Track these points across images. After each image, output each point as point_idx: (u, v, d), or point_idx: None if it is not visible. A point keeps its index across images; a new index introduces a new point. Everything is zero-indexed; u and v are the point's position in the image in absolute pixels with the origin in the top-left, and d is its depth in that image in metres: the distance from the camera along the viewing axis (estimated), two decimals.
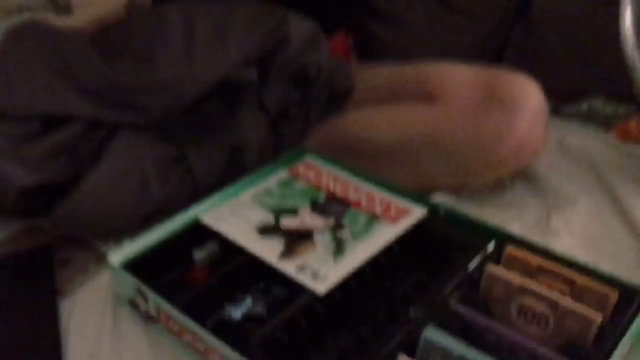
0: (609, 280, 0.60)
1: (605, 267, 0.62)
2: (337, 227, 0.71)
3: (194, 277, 0.69)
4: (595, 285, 0.58)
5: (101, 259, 0.73)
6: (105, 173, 0.77)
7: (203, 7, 0.84)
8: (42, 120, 0.77)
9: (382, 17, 1.05)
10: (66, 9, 1.49)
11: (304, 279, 0.63)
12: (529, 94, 0.76)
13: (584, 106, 0.98)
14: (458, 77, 0.80)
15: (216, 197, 0.77)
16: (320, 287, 0.62)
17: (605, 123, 0.93)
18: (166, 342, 0.64)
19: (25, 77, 0.78)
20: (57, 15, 1.47)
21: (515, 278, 0.58)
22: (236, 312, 0.65)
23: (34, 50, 0.82)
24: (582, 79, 1.00)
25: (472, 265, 0.64)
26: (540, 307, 0.57)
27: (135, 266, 0.67)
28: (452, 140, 0.77)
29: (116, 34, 0.91)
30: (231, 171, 0.83)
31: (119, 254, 0.68)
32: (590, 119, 0.95)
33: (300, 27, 0.82)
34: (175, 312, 0.60)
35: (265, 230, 0.71)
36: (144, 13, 0.92)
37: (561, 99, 1.01)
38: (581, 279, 0.58)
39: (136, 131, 0.80)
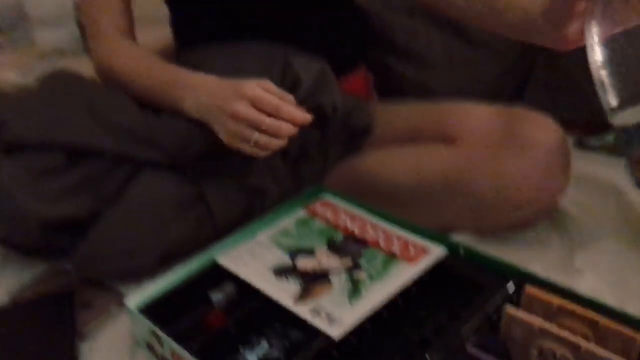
0: (635, 323, 0.57)
1: (633, 309, 0.60)
2: (354, 267, 0.70)
3: (210, 320, 0.68)
4: (620, 328, 0.55)
5: (121, 302, 0.73)
6: (124, 211, 0.78)
7: (215, 55, 0.87)
8: (65, 153, 0.78)
9: (402, 53, 1.05)
10: None
11: (319, 323, 0.62)
12: (547, 136, 0.75)
13: (610, 138, 0.96)
14: (476, 119, 0.80)
15: (233, 238, 0.77)
16: (336, 331, 0.61)
17: None
18: None
19: (52, 111, 0.80)
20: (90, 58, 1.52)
21: (535, 320, 0.56)
22: (252, 356, 0.64)
23: (63, 91, 0.84)
24: None
25: (491, 306, 0.63)
26: (562, 351, 0.55)
27: (153, 309, 0.68)
28: (471, 183, 0.76)
29: None
30: (250, 212, 0.83)
31: (137, 297, 0.69)
32: (616, 151, 0.93)
33: (308, 68, 0.83)
34: (189, 358, 0.60)
35: (282, 272, 0.71)
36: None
37: (586, 131, 0.99)
38: (605, 322, 0.56)
39: (158, 170, 0.81)
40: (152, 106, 0.84)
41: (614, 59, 0.60)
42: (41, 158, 0.77)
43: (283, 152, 0.84)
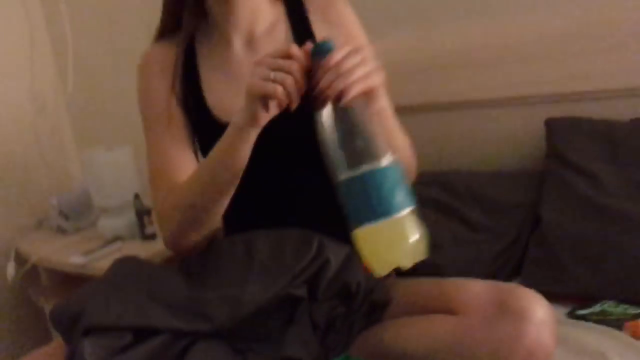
0: None
1: None
2: None
3: None
4: None
5: None
6: None
7: (261, 238, 1.07)
8: (132, 333, 0.95)
9: None
10: (151, 237, 1.77)
11: None
12: (535, 307, 0.88)
13: (598, 308, 1.10)
14: (474, 294, 0.94)
15: None
16: None
17: (617, 322, 1.04)
18: None
19: (120, 298, 0.99)
20: (144, 242, 1.75)
21: None
22: None
23: (130, 277, 1.04)
24: (594, 286, 1.13)
25: None
26: None
27: None
28: (471, 349, 0.89)
29: (198, 260, 1.12)
30: None
31: None
32: (604, 319, 1.06)
33: (337, 252, 1.02)
34: None
35: None
36: (218, 243, 1.15)
37: (577, 302, 1.13)
38: None
39: (209, 341, 0.97)
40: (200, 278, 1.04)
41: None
42: (113, 338, 0.94)
43: (314, 326, 1.00)
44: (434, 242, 1.25)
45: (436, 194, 1.35)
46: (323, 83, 0.85)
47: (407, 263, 0.85)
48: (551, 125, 1.37)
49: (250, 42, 1.18)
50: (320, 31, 1.17)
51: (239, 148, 0.99)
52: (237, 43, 1.18)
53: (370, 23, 1.31)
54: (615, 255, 1.12)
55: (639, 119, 1.30)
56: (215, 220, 1.10)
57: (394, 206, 0.84)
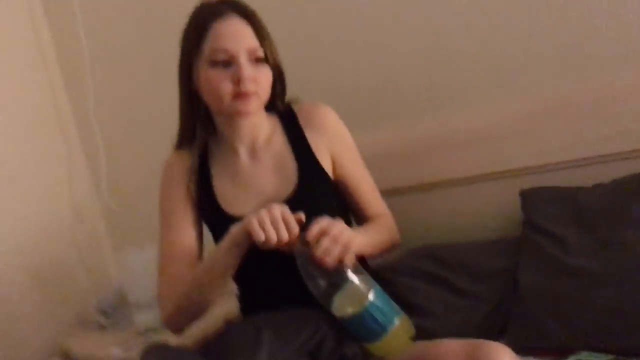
0: None
1: None
2: None
3: None
4: None
5: None
6: None
7: (267, 319, 1.24)
8: None
9: (406, 306, 1.36)
10: None
11: None
12: (501, 357, 1.03)
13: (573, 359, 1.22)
14: (450, 349, 1.09)
15: None
16: None
17: None
18: None
19: None
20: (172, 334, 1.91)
21: None
22: None
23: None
24: (569, 339, 1.25)
25: None
26: None
27: None
28: None
29: (216, 341, 1.29)
30: None
31: None
32: None
33: (333, 326, 1.17)
34: None
35: None
36: (232, 326, 1.32)
37: (556, 355, 1.25)
38: None
39: None
40: None
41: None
42: None
43: None
44: (427, 311, 1.41)
45: (426, 266, 1.49)
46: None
47: (407, 348, 1.15)
48: (525, 195, 1.53)
49: (253, 151, 1.41)
50: (311, 137, 1.40)
51: (231, 254, 1.23)
52: (242, 152, 1.41)
53: (359, 119, 1.53)
54: (583, 309, 1.24)
55: (600, 184, 1.45)
56: (202, 311, 1.32)
57: (388, 324, 1.12)
